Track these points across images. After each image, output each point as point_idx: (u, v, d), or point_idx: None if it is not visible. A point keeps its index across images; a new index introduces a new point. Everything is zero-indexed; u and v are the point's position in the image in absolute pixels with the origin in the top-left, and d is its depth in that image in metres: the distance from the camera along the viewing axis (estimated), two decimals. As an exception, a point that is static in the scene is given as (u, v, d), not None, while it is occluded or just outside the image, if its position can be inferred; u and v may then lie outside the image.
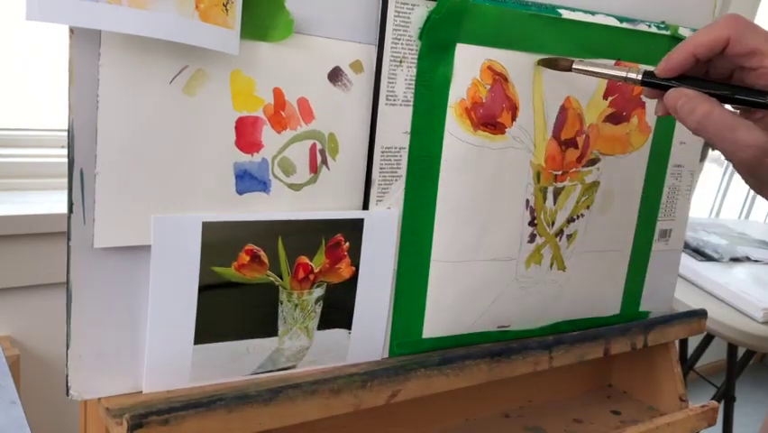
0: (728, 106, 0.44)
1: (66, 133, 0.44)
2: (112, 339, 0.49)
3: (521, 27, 0.58)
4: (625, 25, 0.64)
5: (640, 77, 0.49)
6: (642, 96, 0.58)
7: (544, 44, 0.60)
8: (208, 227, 0.49)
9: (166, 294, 0.49)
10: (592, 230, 0.68)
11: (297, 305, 0.54)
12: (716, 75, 0.47)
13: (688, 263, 1.35)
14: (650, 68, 0.49)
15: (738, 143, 0.41)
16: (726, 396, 1.69)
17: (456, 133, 0.57)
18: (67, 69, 0.43)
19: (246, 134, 0.49)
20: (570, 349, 0.69)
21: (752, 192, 2.59)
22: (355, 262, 0.56)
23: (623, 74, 0.50)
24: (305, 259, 0.53)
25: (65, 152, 0.44)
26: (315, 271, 0.54)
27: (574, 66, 0.56)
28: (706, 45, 0.44)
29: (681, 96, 0.44)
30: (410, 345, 0.61)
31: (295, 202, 0.52)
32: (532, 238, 0.65)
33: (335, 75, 0.52)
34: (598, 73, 0.54)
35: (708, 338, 1.79)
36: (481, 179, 0.60)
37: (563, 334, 0.69)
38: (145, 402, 0.49)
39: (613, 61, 0.61)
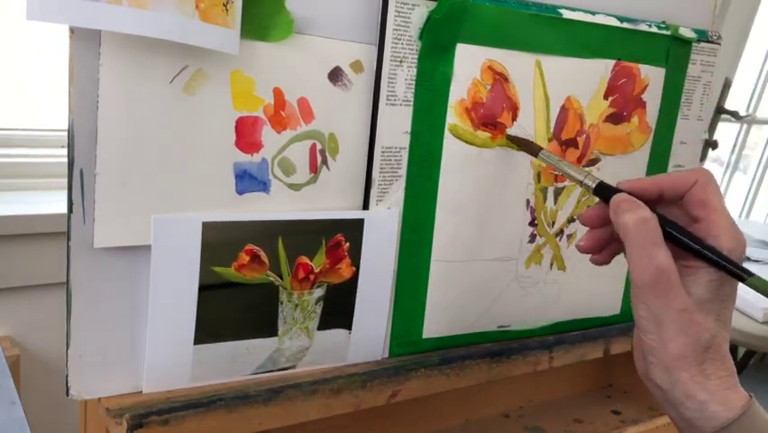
0: None
1: (66, 133, 0.44)
2: (112, 339, 0.49)
3: (521, 27, 0.58)
4: (625, 25, 0.64)
5: (594, 184, 0.48)
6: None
7: (544, 44, 0.60)
8: (208, 227, 0.49)
9: (166, 294, 0.49)
10: (592, 230, 0.68)
11: (297, 305, 0.54)
12: None
13: (688, 263, 1.35)
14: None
15: (652, 258, 0.40)
16: (727, 396, 1.68)
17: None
18: (67, 69, 0.43)
19: (246, 134, 0.49)
20: (570, 349, 0.69)
21: (752, 192, 2.59)
22: (355, 263, 0.56)
23: (580, 177, 0.49)
24: (305, 259, 0.53)
25: (65, 151, 0.44)
26: (316, 271, 0.54)
27: (540, 154, 0.56)
28: (674, 180, 0.44)
29: (627, 199, 0.43)
30: (410, 345, 0.61)
31: (295, 202, 0.52)
32: (532, 238, 0.65)
33: (335, 75, 0.52)
34: (559, 168, 0.53)
35: (708, 338, 1.79)
36: (482, 179, 0.60)
37: (563, 334, 0.69)
38: (145, 402, 0.49)
39: (575, 165, 0.57)
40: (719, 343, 0.41)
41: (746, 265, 0.41)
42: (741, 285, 0.42)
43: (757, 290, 0.40)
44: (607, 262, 0.48)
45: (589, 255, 0.48)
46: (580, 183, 0.49)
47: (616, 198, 0.44)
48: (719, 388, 0.40)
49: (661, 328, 0.41)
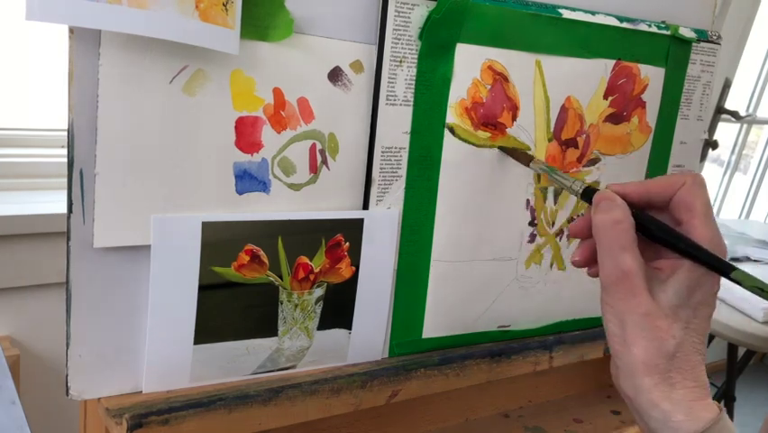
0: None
1: (66, 133, 0.44)
2: (112, 339, 0.49)
3: (521, 27, 0.58)
4: (625, 25, 0.64)
5: (581, 190, 0.48)
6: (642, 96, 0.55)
7: (544, 44, 0.60)
8: (208, 227, 0.49)
9: (166, 294, 0.49)
10: (592, 230, 0.68)
11: (297, 305, 0.54)
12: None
13: (688, 263, 1.35)
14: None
15: (617, 260, 0.40)
16: (726, 396, 1.69)
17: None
18: (67, 69, 0.43)
19: (246, 134, 0.49)
20: (570, 349, 0.69)
21: (752, 192, 2.59)
22: (355, 262, 0.56)
23: (568, 183, 0.50)
24: (305, 259, 0.53)
25: (65, 151, 0.44)
26: (316, 271, 0.54)
27: (531, 164, 0.57)
28: (662, 183, 0.43)
29: (606, 198, 0.43)
30: (410, 345, 0.61)
31: (295, 202, 0.52)
32: (532, 238, 0.65)
33: (335, 75, 0.52)
34: (550, 175, 0.54)
35: (709, 338, 1.79)
36: (482, 179, 0.60)
37: (563, 334, 0.69)
38: (145, 402, 0.49)
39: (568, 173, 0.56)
40: (687, 352, 0.40)
41: (746, 265, 0.41)
42: (731, 290, 0.41)
43: (741, 285, 0.40)
44: None
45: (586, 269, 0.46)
46: (569, 189, 0.50)
47: (597, 196, 0.43)
48: (685, 398, 0.39)
49: (625, 332, 0.40)
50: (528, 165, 0.57)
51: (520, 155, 0.59)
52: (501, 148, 0.60)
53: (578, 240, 0.47)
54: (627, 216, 0.41)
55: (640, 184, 0.44)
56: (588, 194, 0.47)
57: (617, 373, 0.42)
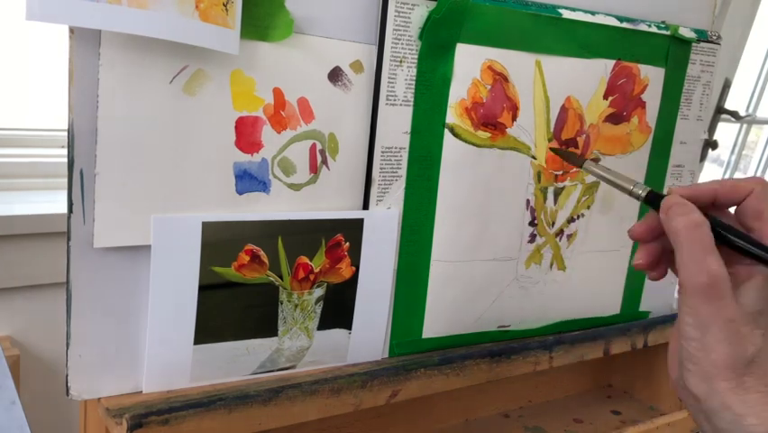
0: None
1: (66, 133, 0.44)
2: (112, 339, 0.49)
3: (521, 27, 0.58)
4: (625, 25, 0.64)
5: (645, 193, 0.47)
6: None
7: (544, 44, 0.60)
8: (208, 227, 0.49)
9: (166, 294, 0.49)
10: (592, 230, 0.68)
11: (297, 305, 0.54)
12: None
13: (688, 263, 1.35)
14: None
15: (703, 264, 0.40)
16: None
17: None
18: (67, 69, 0.43)
19: (246, 134, 0.49)
20: (570, 349, 0.69)
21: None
22: (355, 262, 0.56)
23: (629, 187, 0.48)
24: (305, 259, 0.53)
25: (65, 151, 0.44)
26: (316, 271, 0.54)
27: (585, 165, 0.54)
28: (729, 188, 0.42)
29: (678, 203, 0.42)
30: (410, 345, 0.61)
31: (295, 202, 0.52)
32: (532, 238, 0.65)
33: (335, 75, 0.52)
34: (604, 178, 0.51)
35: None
36: (482, 179, 0.60)
37: (563, 334, 0.69)
38: (145, 402, 0.49)
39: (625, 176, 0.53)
40: (763, 358, 0.40)
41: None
42: None
43: None
44: (663, 276, 0.46)
45: (636, 265, 0.46)
46: (629, 193, 0.48)
47: (667, 200, 0.43)
48: (758, 403, 0.39)
49: (706, 336, 0.40)
50: (581, 167, 0.56)
51: (573, 157, 0.60)
52: (553, 150, 0.61)
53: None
54: (704, 218, 0.41)
55: (704, 189, 0.43)
56: (650, 198, 0.46)
57: (688, 376, 0.41)
